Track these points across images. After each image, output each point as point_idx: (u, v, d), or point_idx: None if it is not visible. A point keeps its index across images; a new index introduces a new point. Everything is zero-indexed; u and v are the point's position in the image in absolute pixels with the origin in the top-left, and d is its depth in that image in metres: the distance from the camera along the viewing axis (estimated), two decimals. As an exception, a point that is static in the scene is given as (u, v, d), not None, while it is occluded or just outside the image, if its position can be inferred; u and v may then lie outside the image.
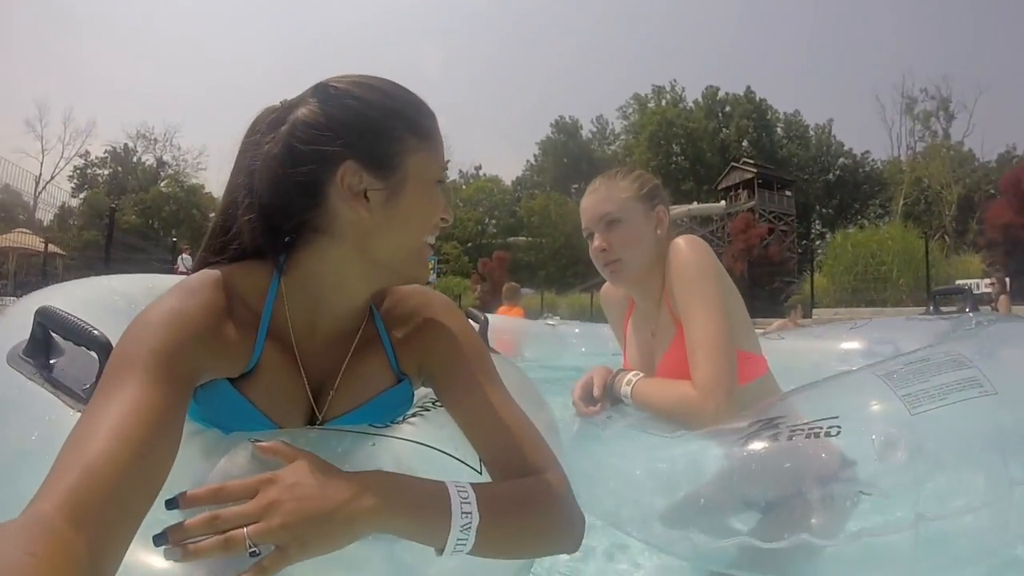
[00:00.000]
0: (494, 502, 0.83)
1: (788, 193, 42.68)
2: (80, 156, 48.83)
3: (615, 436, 1.59)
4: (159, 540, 0.69)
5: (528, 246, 48.27)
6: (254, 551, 0.70)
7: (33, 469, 0.69)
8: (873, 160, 51.08)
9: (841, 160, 53.37)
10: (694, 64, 75.81)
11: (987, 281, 15.02)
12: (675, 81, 56.16)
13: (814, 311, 16.81)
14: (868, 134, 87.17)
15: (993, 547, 1.33)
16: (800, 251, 26.28)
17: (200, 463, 0.85)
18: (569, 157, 55.76)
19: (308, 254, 0.95)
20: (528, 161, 59.15)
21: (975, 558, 1.32)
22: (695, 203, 44.50)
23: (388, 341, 1.05)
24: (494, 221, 53.18)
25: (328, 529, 0.73)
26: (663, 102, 55.27)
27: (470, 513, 0.80)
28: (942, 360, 1.37)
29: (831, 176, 52.82)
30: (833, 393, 1.41)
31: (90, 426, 0.70)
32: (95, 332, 1.13)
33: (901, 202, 41.17)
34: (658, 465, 1.44)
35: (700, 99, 55.15)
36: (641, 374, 1.71)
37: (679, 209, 43.45)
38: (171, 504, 0.73)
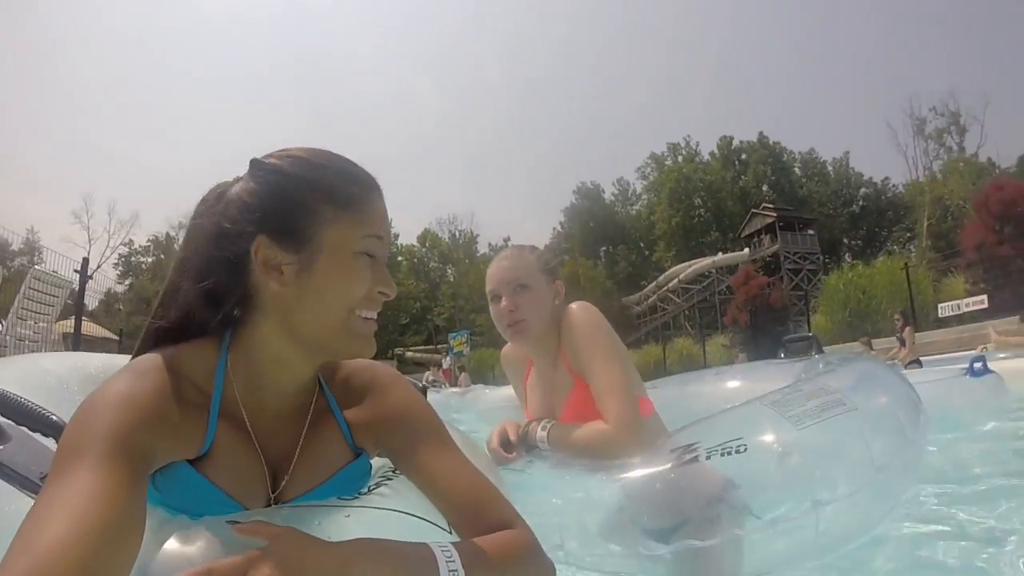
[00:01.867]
0: (475, 558, 0.85)
1: (811, 232, 42.60)
2: (124, 245, 51.69)
3: (544, 475, 1.76)
4: None
5: None
6: None
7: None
8: (894, 185, 51.34)
9: (862, 190, 53.33)
10: (706, 117, 77.05)
11: (973, 299, 15.65)
12: (688, 136, 57.20)
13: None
14: (886, 160, 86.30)
15: (871, 518, 1.68)
16: (804, 292, 27.32)
17: (176, 550, 0.82)
18: (594, 221, 56.78)
19: (246, 331, 0.95)
20: (555, 228, 60.41)
21: (859, 529, 1.65)
22: (719, 254, 45.22)
23: (341, 416, 1.04)
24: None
25: None
26: (679, 158, 56.16)
27: (456, 571, 0.81)
28: (812, 390, 1.73)
29: (855, 208, 52.69)
30: (735, 420, 1.69)
31: (44, 514, 0.66)
32: (52, 417, 1.10)
33: (926, 223, 40.98)
34: (596, 492, 1.59)
35: (715, 150, 56.03)
36: (554, 420, 1.92)
37: (704, 261, 44.14)
38: None
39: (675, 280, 44.81)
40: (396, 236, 57.06)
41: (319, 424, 1.03)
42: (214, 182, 0.98)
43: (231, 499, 0.91)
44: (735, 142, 55.87)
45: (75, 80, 69.65)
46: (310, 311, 0.92)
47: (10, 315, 7.53)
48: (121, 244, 51.60)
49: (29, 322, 7.47)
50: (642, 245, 56.07)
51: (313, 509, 0.94)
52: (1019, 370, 5.01)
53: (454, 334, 39.27)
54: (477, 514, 0.96)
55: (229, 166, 0.99)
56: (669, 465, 1.53)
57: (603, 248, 56.68)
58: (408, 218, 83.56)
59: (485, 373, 26.55)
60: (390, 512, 0.97)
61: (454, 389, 11.19)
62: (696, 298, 42.27)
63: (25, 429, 1.11)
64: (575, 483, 1.67)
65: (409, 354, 45.55)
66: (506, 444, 1.94)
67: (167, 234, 51.54)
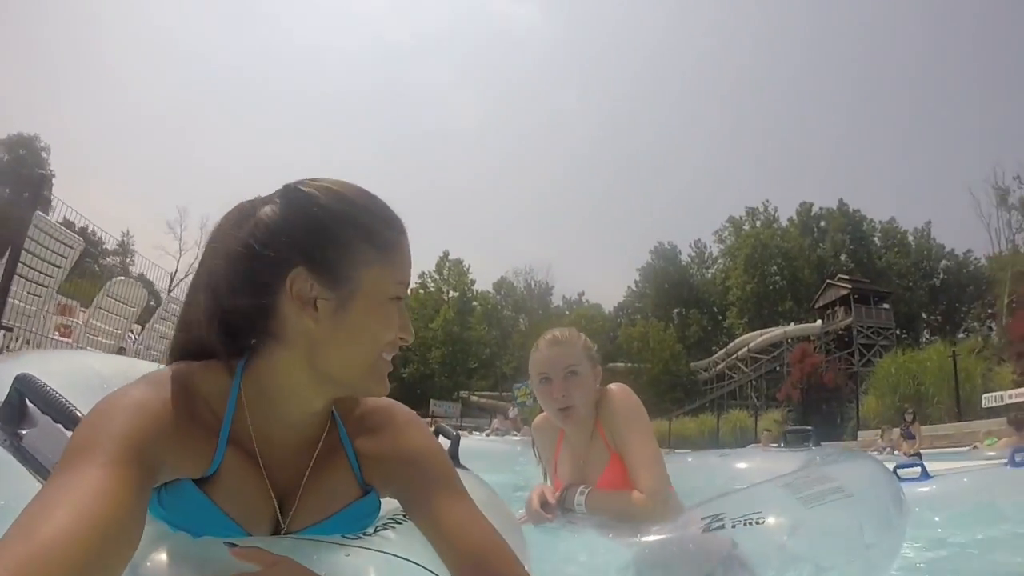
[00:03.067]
0: None
1: (886, 306, 41.80)
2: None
3: (590, 534, 1.94)
4: None
5: (627, 372, 47.98)
6: None
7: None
8: (976, 258, 49.80)
9: (943, 262, 52.07)
10: (786, 181, 76.04)
11: (1016, 392, 15.19)
12: (767, 201, 57.07)
13: (859, 433, 17.79)
14: (968, 232, 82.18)
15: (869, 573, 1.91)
16: (856, 373, 27.72)
17: (174, 566, 0.82)
18: (669, 282, 57.04)
19: (262, 360, 0.93)
20: (629, 287, 60.66)
21: None
22: (792, 324, 44.76)
23: (353, 453, 1.03)
24: (594, 347, 53.22)
25: None
26: (757, 223, 56.04)
27: None
28: (818, 476, 1.97)
29: (935, 281, 51.43)
30: (754, 496, 1.91)
31: (48, 504, 0.66)
32: (74, 410, 1.11)
33: (1006, 299, 39.70)
34: (616, 555, 1.79)
35: (794, 216, 55.62)
36: (590, 487, 2.07)
37: (776, 331, 43.81)
38: None
39: (745, 348, 44.55)
40: (472, 283, 58.75)
41: (329, 457, 1.01)
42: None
43: (235, 524, 0.91)
44: (815, 208, 55.49)
45: (180, 96, 73.92)
46: (340, 350, 0.91)
47: (91, 308, 7.87)
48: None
49: (103, 324, 7.78)
50: (715, 310, 55.84)
51: (313, 543, 0.92)
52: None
53: (519, 384, 40.09)
54: (482, 570, 0.93)
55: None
56: (697, 529, 1.77)
57: (676, 310, 56.66)
58: (484, 262, 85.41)
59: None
60: (390, 557, 0.95)
61: (518, 437, 11.60)
62: (764, 368, 42.01)
63: (50, 419, 1.14)
64: (606, 544, 1.84)
65: (474, 398, 46.35)
66: (545, 505, 2.09)
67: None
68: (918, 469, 3.73)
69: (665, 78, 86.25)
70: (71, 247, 6.53)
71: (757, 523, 1.74)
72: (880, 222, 54.32)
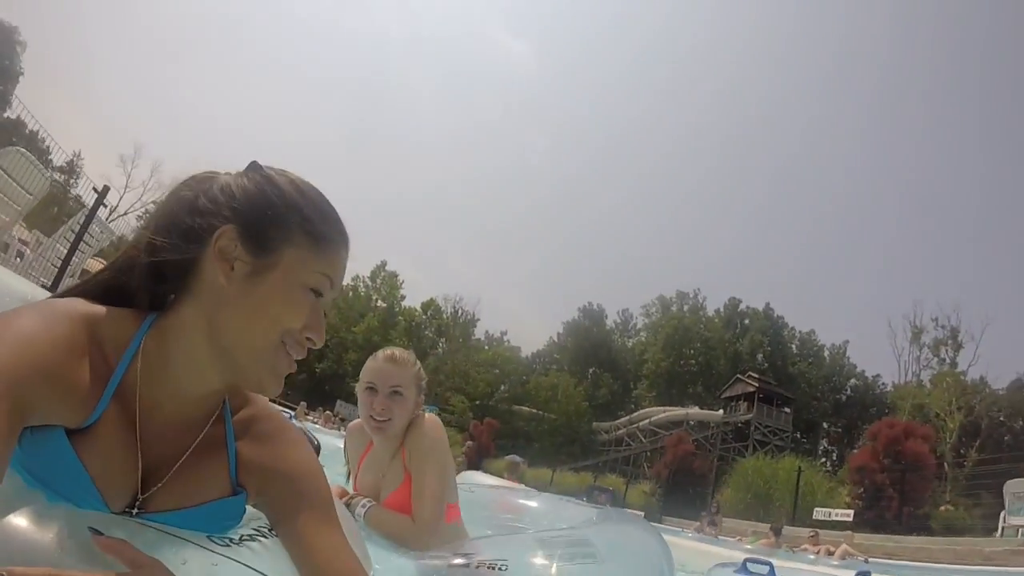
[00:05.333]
0: None
1: (787, 410, 43.04)
2: (154, 203, 51.52)
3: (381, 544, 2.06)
4: None
5: (530, 417, 49.49)
6: None
7: None
8: (883, 384, 51.94)
9: (852, 381, 53.85)
10: (720, 274, 77.55)
11: (839, 512, 17.70)
12: (698, 290, 58.93)
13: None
14: (881, 357, 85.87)
15: None
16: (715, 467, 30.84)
17: (25, 529, 0.78)
18: (590, 342, 58.03)
19: (172, 317, 0.93)
20: (551, 337, 61.48)
21: None
22: (695, 408, 45.88)
23: (234, 452, 1.00)
24: (504, 387, 54.67)
25: None
26: (685, 307, 57.69)
27: None
28: (577, 538, 2.11)
29: (842, 396, 53.11)
30: (509, 544, 2.06)
31: None
32: None
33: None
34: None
35: (721, 308, 57.32)
36: (374, 502, 2.24)
37: (678, 411, 44.76)
38: None
39: (647, 420, 45.46)
40: (402, 298, 58.36)
41: (208, 448, 0.98)
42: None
43: (93, 486, 0.86)
44: (741, 305, 57.22)
45: (174, 33, 71.19)
46: (241, 319, 0.90)
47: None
48: (152, 202, 50.87)
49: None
50: (628, 377, 56.92)
51: (181, 543, 0.89)
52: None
53: (425, 407, 39.30)
54: None
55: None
56: (444, 564, 1.92)
57: (592, 369, 57.60)
58: (417, 279, 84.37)
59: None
60: (258, 574, 0.92)
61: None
62: (660, 442, 42.35)
63: None
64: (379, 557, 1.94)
65: None
66: None
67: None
68: (766, 568, 3.79)
69: (641, 148, 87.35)
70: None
71: (501, 569, 1.88)
72: (800, 332, 56.22)
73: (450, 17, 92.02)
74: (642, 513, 19.33)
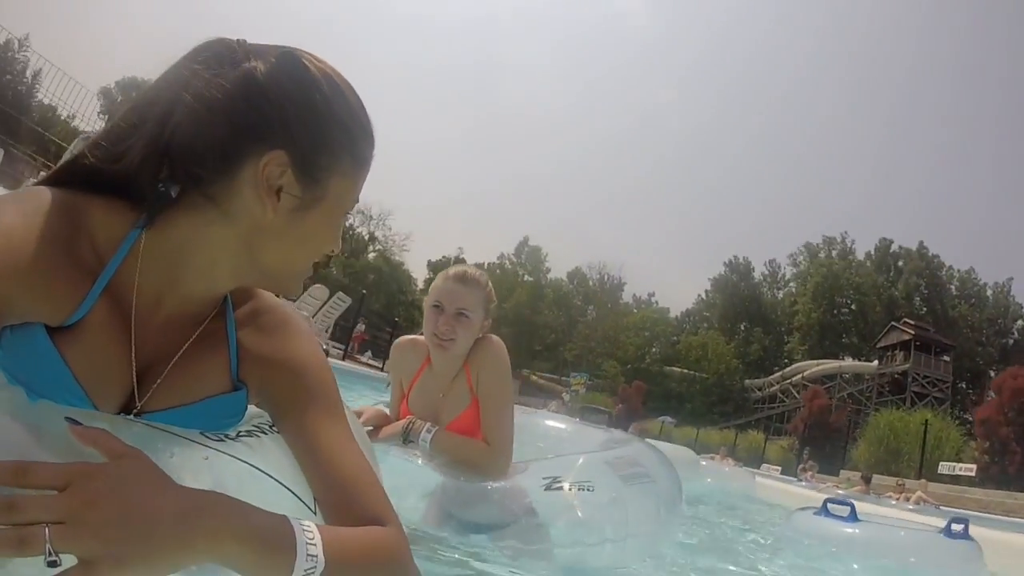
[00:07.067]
0: (339, 549, 0.76)
1: (946, 358, 41.51)
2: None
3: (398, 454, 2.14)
4: None
5: (682, 378, 50.45)
6: (53, 560, 0.57)
7: None
8: (1055, 323, 47.48)
9: (1020, 323, 51.04)
10: (868, 215, 74.94)
11: (963, 466, 18.06)
12: (846, 233, 57.14)
13: (841, 471, 20.22)
14: None
15: (655, 548, 2.47)
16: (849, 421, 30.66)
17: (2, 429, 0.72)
18: (739, 297, 57.91)
19: (187, 218, 0.82)
20: (699, 295, 61.61)
21: (644, 553, 2.39)
22: (848, 359, 45.54)
23: (235, 344, 0.93)
24: (655, 349, 55.57)
25: (156, 546, 0.62)
26: (833, 252, 56.17)
27: (315, 557, 0.72)
28: (632, 459, 2.42)
29: (1008, 340, 50.38)
30: (588, 466, 2.24)
31: None
32: None
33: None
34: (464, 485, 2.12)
35: (872, 251, 55.63)
36: (437, 427, 2.19)
37: (832, 364, 44.75)
38: None
39: (799, 375, 45.20)
40: (548, 270, 60.52)
41: (208, 341, 0.91)
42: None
43: (80, 388, 0.79)
44: (893, 246, 55.25)
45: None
46: (284, 249, 0.86)
47: None
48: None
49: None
50: (781, 330, 56.35)
51: (169, 437, 0.82)
52: (1001, 542, 4.96)
53: (576, 374, 42.25)
54: (351, 500, 0.87)
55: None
56: (538, 486, 2.08)
57: (742, 324, 57.58)
58: (560, 250, 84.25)
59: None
60: (254, 469, 0.85)
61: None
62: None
63: None
64: (413, 468, 2.08)
65: (534, 377, 47.82)
66: (372, 432, 2.18)
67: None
68: (848, 508, 3.80)
69: (765, 86, 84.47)
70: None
71: (589, 490, 2.09)
72: (959, 271, 53.70)
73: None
74: (780, 467, 21.21)
